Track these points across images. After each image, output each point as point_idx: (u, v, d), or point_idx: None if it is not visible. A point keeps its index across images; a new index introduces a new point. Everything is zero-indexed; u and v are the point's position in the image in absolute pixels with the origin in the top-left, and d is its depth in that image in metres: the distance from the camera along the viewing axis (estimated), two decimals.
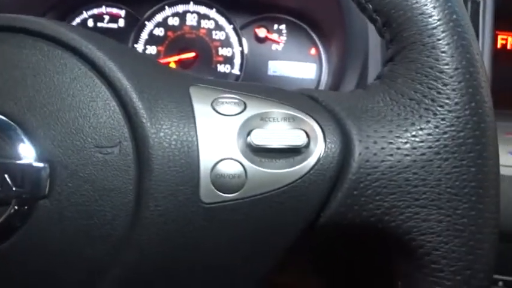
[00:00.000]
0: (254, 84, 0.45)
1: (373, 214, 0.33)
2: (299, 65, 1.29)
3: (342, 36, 1.08)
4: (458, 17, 0.35)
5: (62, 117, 0.34)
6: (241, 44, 1.30)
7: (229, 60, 1.31)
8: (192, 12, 1.32)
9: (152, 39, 1.32)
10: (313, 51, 1.29)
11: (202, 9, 1.31)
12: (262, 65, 1.30)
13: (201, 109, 0.35)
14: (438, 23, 0.34)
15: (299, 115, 0.38)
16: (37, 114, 0.34)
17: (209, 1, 1.29)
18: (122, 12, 1.32)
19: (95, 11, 1.32)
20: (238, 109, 0.35)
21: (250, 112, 0.35)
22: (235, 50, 1.31)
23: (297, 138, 0.34)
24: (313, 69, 1.30)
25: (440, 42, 0.34)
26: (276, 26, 1.30)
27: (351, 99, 0.40)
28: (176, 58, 1.30)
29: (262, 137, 0.34)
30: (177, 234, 0.33)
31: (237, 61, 1.31)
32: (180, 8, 1.31)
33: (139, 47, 1.32)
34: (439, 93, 0.34)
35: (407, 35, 0.35)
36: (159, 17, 1.32)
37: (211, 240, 0.33)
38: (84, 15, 1.32)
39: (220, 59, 1.32)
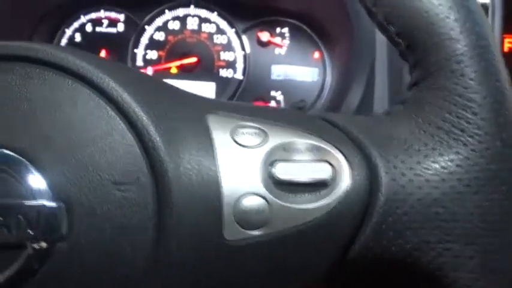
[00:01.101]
0: (273, 109, 0.44)
1: (402, 249, 0.32)
2: (302, 69, 1.28)
3: (348, 39, 1.06)
4: (487, 43, 0.34)
5: (77, 152, 0.32)
6: (243, 48, 1.28)
7: (231, 65, 1.29)
8: (193, 16, 1.29)
9: (152, 44, 1.30)
10: (316, 54, 1.28)
11: (203, 13, 1.29)
12: (265, 69, 1.28)
13: (221, 140, 0.34)
14: (466, 48, 0.33)
15: (323, 145, 0.36)
16: (50, 150, 0.32)
17: (210, 4, 1.27)
18: (121, 17, 1.30)
19: (93, 15, 1.29)
20: (259, 140, 0.34)
21: (272, 143, 0.34)
22: (237, 54, 1.29)
23: (322, 172, 0.33)
24: (317, 73, 1.28)
25: (468, 69, 0.33)
26: (278, 30, 1.28)
27: (375, 126, 0.39)
28: (178, 63, 1.28)
29: (287, 171, 0.33)
30: (200, 272, 0.31)
31: (240, 65, 1.29)
32: (180, 12, 1.29)
33: (140, 51, 1.30)
34: (468, 123, 0.32)
35: (434, 61, 0.34)
36: (159, 21, 1.29)
37: (236, 279, 0.32)
38: (82, 19, 1.29)
39: (222, 63, 1.30)
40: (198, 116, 0.39)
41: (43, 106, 0.36)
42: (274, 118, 0.41)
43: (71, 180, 0.34)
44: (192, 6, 1.28)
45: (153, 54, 1.30)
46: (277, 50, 1.28)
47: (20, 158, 0.35)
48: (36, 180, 0.35)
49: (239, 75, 1.29)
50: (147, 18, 1.28)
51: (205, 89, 1.29)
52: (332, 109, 1.12)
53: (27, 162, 0.34)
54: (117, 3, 1.28)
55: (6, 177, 0.33)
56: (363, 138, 0.38)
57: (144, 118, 0.32)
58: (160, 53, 1.30)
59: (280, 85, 1.28)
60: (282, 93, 1.28)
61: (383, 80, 1.01)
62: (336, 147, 0.37)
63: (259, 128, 0.35)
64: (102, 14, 1.29)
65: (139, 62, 1.29)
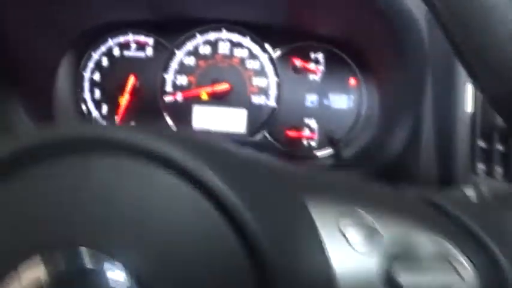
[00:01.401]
0: (370, 187, 0.40)
1: None
2: (337, 96, 1.24)
3: (392, 68, 1.01)
4: None
5: (180, 258, 0.28)
6: (277, 74, 1.24)
7: (264, 91, 1.24)
8: (225, 40, 1.25)
9: (182, 69, 1.25)
10: (352, 81, 1.23)
11: (236, 37, 1.25)
12: (299, 96, 1.23)
13: (330, 235, 0.33)
14: None
15: (443, 244, 0.33)
16: (150, 259, 0.28)
17: (243, 28, 1.23)
18: (150, 40, 1.25)
19: (121, 38, 1.25)
20: (371, 237, 0.31)
21: (387, 241, 0.32)
22: (270, 81, 1.25)
23: (447, 277, 0.31)
24: (352, 100, 1.24)
25: None
26: (313, 55, 1.23)
27: (490, 216, 0.35)
28: (209, 89, 1.24)
29: (409, 276, 0.30)
30: None
31: (273, 92, 1.24)
32: (211, 36, 1.25)
33: (169, 77, 1.25)
34: None
35: None
36: (189, 45, 1.25)
37: None
38: (110, 43, 1.24)
39: (255, 89, 1.25)
40: (299, 203, 0.35)
41: (137, 200, 0.31)
42: (376, 202, 0.37)
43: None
44: (223, 30, 1.23)
45: (182, 80, 1.25)
46: (311, 76, 1.23)
47: (121, 270, 0.30)
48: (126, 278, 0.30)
49: (272, 102, 1.24)
50: (177, 42, 1.24)
51: (237, 116, 1.24)
52: (374, 143, 1.08)
53: (128, 277, 0.30)
54: (146, 26, 1.23)
55: None
56: (484, 235, 0.35)
57: (248, 218, 0.29)
58: (191, 78, 1.25)
59: (315, 112, 1.24)
60: (316, 121, 1.23)
61: (430, 113, 0.97)
62: (457, 245, 0.34)
63: (367, 226, 0.32)
64: (130, 37, 1.25)
65: (169, 88, 1.25)
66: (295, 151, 1.24)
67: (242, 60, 1.24)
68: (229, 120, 1.24)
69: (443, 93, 0.95)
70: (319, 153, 1.24)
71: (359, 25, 1.04)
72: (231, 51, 1.24)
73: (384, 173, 1.00)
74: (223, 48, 1.24)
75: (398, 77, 0.98)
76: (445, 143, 0.93)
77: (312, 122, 1.24)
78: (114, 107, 1.25)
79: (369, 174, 1.01)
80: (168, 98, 1.25)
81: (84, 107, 1.24)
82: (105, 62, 1.24)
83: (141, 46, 1.24)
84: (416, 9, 0.85)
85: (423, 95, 0.93)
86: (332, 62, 1.22)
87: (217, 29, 1.23)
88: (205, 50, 1.24)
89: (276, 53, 1.23)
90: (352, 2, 0.91)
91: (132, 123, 1.25)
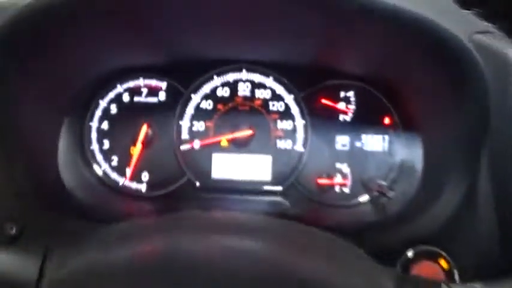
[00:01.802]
0: None
1: None
2: (370, 138, 1.13)
3: (441, 111, 0.90)
4: None
5: None
6: (303, 116, 1.13)
7: (290, 135, 1.13)
8: (245, 81, 1.14)
9: (199, 114, 1.14)
10: (386, 120, 1.12)
11: (257, 78, 1.13)
12: (329, 139, 1.12)
13: None
14: None
15: None
16: None
17: (264, 68, 1.12)
18: (163, 85, 1.14)
19: (131, 83, 1.13)
20: None
21: None
22: (297, 123, 1.13)
23: None
24: (387, 141, 1.13)
25: None
26: (342, 94, 1.13)
27: None
28: (229, 136, 1.12)
29: None
30: None
31: (300, 135, 1.12)
32: (230, 77, 1.13)
33: (185, 123, 1.13)
34: None
35: None
36: (206, 88, 1.13)
37: None
38: (119, 89, 1.13)
39: (280, 133, 1.14)
40: None
41: None
42: None
43: None
44: (244, 71, 1.13)
45: (200, 126, 1.14)
46: (341, 117, 1.12)
47: None
48: None
49: (299, 147, 1.13)
50: (192, 85, 1.13)
51: (261, 163, 1.12)
52: (417, 200, 0.95)
53: None
54: (158, 70, 1.13)
55: None
56: None
57: None
58: (209, 123, 1.13)
59: (346, 156, 1.12)
60: (349, 166, 1.11)
61: (488, 174, 0.80)
62: None
63: None
64: (141, 82, 1.14)
65: (185, 135, 1.13)
66: (326, 199, 1.13)
67: (265, 102, 1.13)
68: (253, 168, 1.13)
69: (506, 150, 0.79)
70: (353, 202, 1.13)
71: (400, 63, 0.93)
72: (253, 92, 1.13)
73: (426, 239, 0.89)
74: (244, 89, 1.13)
75: (450, 125, 0.86)
76: (508, 215, 0.79)
77: (344, 167, 1.12)
78: (125, 158, 1.13)
79: (409, 239, 0.88)
80: (184, 147, 1.13)
81: (91, 160, 1.13)
82: (113, 109, 1.13)
83: (153, 91, 1.13)
84: (477, 51, 0.75)
85: (481, 150, 0.80)
86: (364, 101, 1.11)
87: (237, 70, 1.13)
88: (224, 92, 1.13)
89: (302, 93, 1.12)
90: (399, 42, 0.81)
91: (145, 175, 1.14)
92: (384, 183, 1.05)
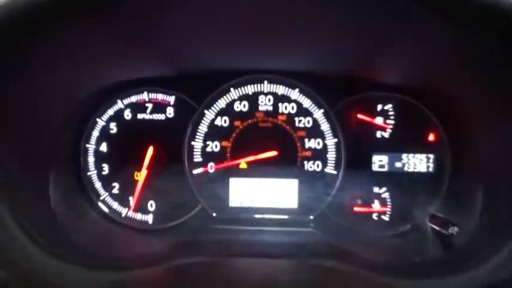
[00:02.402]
0: None
1: None
2: (412, 157, 0.97)
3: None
4: None
5: None
6: (335, 133, 0.97)
7: (320, 155, 0.97)
8: (267, 94, 0.98)
9: (214, 133, 0.97)
10: (431, 137, 0.97)
11: (281, 90, 0.97)
12: (365, 159, 0.96)
13: None
14: None
15: None
16: None
17: (290, 79, 0.97)
18: (171, 99, 0.98)
19: (134, 98, 0.97)
20: None
21: None
22: (327, 142, 0.97)
23: None
24: (432, 161, 0.98)
25: None
26: (380, 107, 0.97)
27: None
28: (249, 158, 0.96)
29: None
30: None
31: (331, 156, 0.97)
32: (249, 90, 0.97)
33: (198, 144, 0.98)
34: None
35: None
36: (221, 103, 0.98)
37: None
38: (119, 105, 0.97)
39: (308, 153, 0.98)
40: None
41: None
42: None
43: None
44: (265, 82, 0.98)
45: (215, 146, 0.98)
46: (379, 133, 0.97)
47: None
48: None
49: (331, 169, 0.97)
50: (206, 100, 0.97)
51: (286, 188, 0.97)
52: (475, 241, 0.80)
53: None
54: (165, 82, 0.96)
55: None
56: None
57: None
58: (225, 143, 0.98)
59: (385, 179, 0.96)
60: (388, 190, 0.96)
61: None
62: None
63: None
64: (145, 96, 0.98)
65: (198, 157, 0.97)
66: (363, 229, 0.98)
67: (290, 118, 0.97)
68: (277, 195, 0.97)
69: None
70: (393, 232, 0.98)
71: (456, 70, 0.78)
72: (275, 107, 0.97)
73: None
74: (265, 103, 0.97)
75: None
76: None
77: (383, 192, 0.97)
78: (128, 185, 0.97)
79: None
80: (197, 171, 0.97)
81: (89, 188, 0.97)
82: (113, 128, 0.97)
83: (159, 107, 0.97)
84: None
85: None
86: (404, 115, 0.96)
87: (258, 81, 0.97)
88: (242, 107, 0.97)
89: (334, 107, 0.96)
90: (457, 52, 0.66)
91: (152, 204, 0.98)
92: (439, 215, 0.90)
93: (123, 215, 0.98)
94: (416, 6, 0.57)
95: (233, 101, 0.98)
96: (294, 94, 0.97)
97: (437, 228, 0.86)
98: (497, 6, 0.55)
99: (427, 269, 0.80)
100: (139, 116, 0.98)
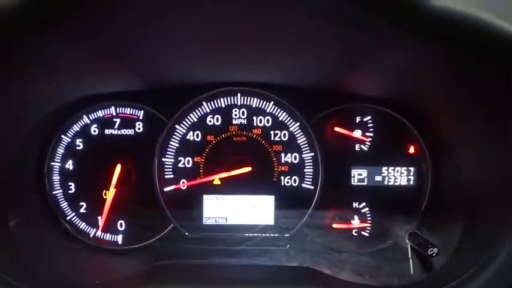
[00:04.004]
0: None
1: None
2: (392, 170, 0.94)
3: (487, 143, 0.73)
4: None
5: None
6: (312, 147, 0.93)
7: (296, 170, 0.93)
8: (240, 107, 0.94)
9: (186, 148, 0.93)
10: (411, 149, 0.94)
11: (255, 102, 0.93)
12: (344, 173, 0.93)
13: None
14: None
15: None
16: None
17: (264, 91, 0.93)
18: (140, 114, 0.93)
19: (100, 113, 0.92)
20: None
21: None
22: (304, 156, 0.93)
23: None
24: (413, 174, 0.95)
25: None
26: (358, 119, 0.94)
27: None
28: (223, 175, 0.92)
29: None
30: None
31: (309, 170, 0.93)
32: (222, 103, 0.93)
33: (169, 160, 0.93)
34: None
35: None
36: (193, 117, 0.93)
37: None
38: (85, 120, 0.92)
39: (284, 168, 0.94)
40: None
41: None
42: None
43: None
44: (238, 95, 0.94)
45: (187, 162, 0.93)
46: (357, 146, 0.93)
47: None
48: None
49: (308, 184, 0.93)
50: (177, 113, 0.92)
51: (261, 205, 0.92)
52: (463, 253, 0.77)
53: None
54: (133, 96, 0.91)
55: None
56: None
57: None
58: (197, 159, 0.93)
59: (365, 193, 0.93)
60: (368, 205, 0.93)
61: None
62: None
63: None
64: (112, 111, 0.93)
65: (169, 174, 0.93)
66: (342, 247, 0.95)
67: (265, 131, 0.93)
68: (252, 212, 0.93)
69: None
70: (374, 249, 0.94)
71: (434, 79, 0.74)
72: (250, 120, 0.93)
73: None
74: (239, 117, 0.93)
75: (497, 155, 0.68)
76: None
77: (362, 206, 0.94)
78: (96, 204, 0.92)
79: None
80: (168, 188, 0.93)
81: (54, 208, 0.92)
82: (80, 145, 0.92)
83: (128, 121, 0.92)
84: None
85: None
86: (383, 127, 0.92)
87: (230, 94, 0.93)
88: (215, 120, 0.93)
89: (310, 120, 0.92)
90: (439, 50, 0.62)
91: (122, 223, 0.94)
92: (419, 233, 0.87)
93: (91, 235, 0.93)
94: (378, 21, 0.53)
95: (205, 115, 0.94)
96: (269, 107, 0.93)
97: (416, 247, 0.83)
98: (452, 17, 0.52)
99: None
100: (107, 131, 0.93)
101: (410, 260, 0.84)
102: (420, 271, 0.80)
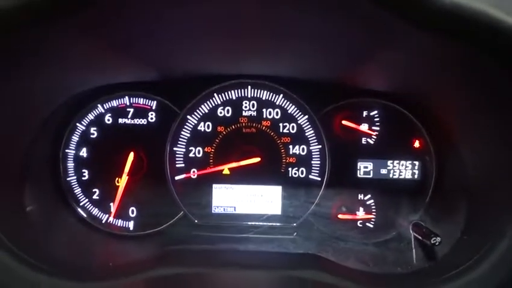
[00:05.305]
0: None
1: None
2: (398, 164, 0.96)
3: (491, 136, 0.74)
4: None
5: None
6: (320, 140, 0.96)
7: (304, 162, 0.95)
8: (250, 99, 0.96)
9: (197, 138, 0.95)
10: (417, 143, 0.96)
11: (265, 95, 0.95)
12: (350, 166, 0.95)
13: None
14: None
15: None
16: None
17: (274, 84, 0.95)
18: (153, 104, 0.95)
19: (115, 103, 0.95)
20: None
21: None
22: (312, 148, 0.96)
23: None
24: (417, 168, 0.97)
25: None
26: (365, 113, 0.95)
27: None
28: (233, 165, 0.95)
29: None
30: None
31: (316, 162, 0.95)
32: (233, 95, 0.96)
33: (180, 149, 0.96)
34: None
35: None
36: (204, 108, 0.96)
37: None
38: (100, 109, 0.94)
39: (292, 160, 0.96)
40: None
41: None
42: None
43: None
44: (249, 87, 0.96)
45: (197, 152, 0.96)
46: (364, 140, 0.95)
47: None
48: None
49: (315, 176, 0.96)
50: (189, 104, 0.95)
51: (269, 196, 0.95)
52: (466, 243, 0.80)
53: None
54: (147, 87, 0.94)
55: None
56: None
57: None
58: (208, 148, 0.95)
59: (370, 186, 0.95)
60: (373, 197, 0.95)
61: None
62: None
63: None
64: (126, 101, 0.95)
65: (180, 163, 0.95)
66: (347, 237, 0.97)
67: (274, 124, 0.95)
68: (260, 201, 0.95)
69: None
70: (378, 240, 0.97)
71: (440, 76, 0.77)
72: (259, 112, 0.96)
73: None
74: (249, 109, 0.95)
75: (499, 150, 0.70)
76: None
77: (368, 198, 0.96)
78: (109, 191, 0.95)
79: None
80: (179, 177, 0.95)
81: (68, 194, 0.94)
82: (94, 133, 0.94)
83: (141, 112, 0.95)
84: None
85: None
86: (390, 121, 0.94)
87: (241, 86, 0.96)
88: (226, 112, 0.95)
89: (318, 113, 0.95)
90: (447, 49, 0.64)
91: (133, 210, 0.97)
92: (422, 223, 0.90)
93: (103, 221, 0.96)
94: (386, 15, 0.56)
95: (216, 106, 0.96)
96: (279, 99, 0.96)
97: (419, 237, 0.86)
98: (463, 13, 0.54)
99: (408, 279, 0.79)
100: (121, 120, 0.96)
101: (414, 250, 0.87)
102: (423, 260, 0.83)
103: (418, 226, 0.87)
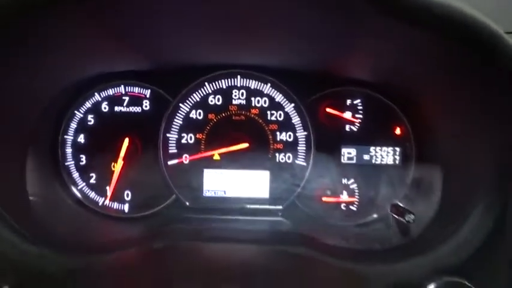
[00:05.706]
0: None
1: None
2: (380, 150, 1.02)
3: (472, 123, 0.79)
4: None
5: None
6: (306, 127, 1.01)
7: (290, 148, 1.00)
8: (240, 88, 1.01)
9: (189, 125, 1.01)
10: (398, 131, 1.01)
11: (253, 84, 1.01)
12: (334, 152, 1.00)
13: None
14: None
15: None
16: None
17: (262, 74, 1.00)
18: (147, 92, 1.00)
19: (111, 91, 1.00)
20: None
21: None
22: (298, 134, 1.01)
23: None
24: (399, 154, 1.02)
25: None
26: (349, 102, 1.01)
27: None
28: (223, 150, 1.00)
29: None
30: None
31: (302, 148, 1.01)
32: (223, 84, 1.01)
33: (173, 136, 1.01)
34: None
35: None
36: (196, 96, 1.01)
37: None
38: (97, 97, 1.00)
39: (279, 146, 1.02)
40: None
41: None
42: None
43: None
44: (238, 77, 1.01)
45: (189, 138, 1.01)
46: (347, 127, 1.01)
47: None
48: None
49: (301, 161, 1.01)
50: (181, 93, 1.00)
51: (257, 179, 1.00)
52: (439, 222, 0.83)
53: None
54: (141, 76, 0.99)
55: None
56: None
57: None
58: (199, 135, 1.01)
59: (353, 171, 1.00)
60: (356, 181, 1.00)
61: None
62: None
63: None
64: (122, 89, 1.00)
65: (172, 149, 1.00)
66: (331, 219, 1.02)
67: (262, 111, 1.01)
68: (249, 185, 1.00)
69: None
70: (361, 221, 1.02)
71: (419, 66, 0.81)
72: (248, 100, 1.01)
73: (449, 270, 0.75)
74: (238, 97, 1.01)
75: (476, 138, 0.76)
76: None
77: (351, 183, 1.02)
78: (105, 175, 1.00)
79: (431, 269, 0.75)
80: (172, 162, 1.00)
81: (67, 178, 1.00)
82: (91, 120, 0.99)
83: (136, 100, 1.00)
84: None
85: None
86: (372, 109, 0.99)
87: (231, 76, 1.00)
88: (216, 100, 1.01)
89: (304, 101, 1.00)
90: (423, 41, 0.69)
91: (128, 194, 1.02)
92: (400, 204, 0.95)
93: (100, 204, 1.01)
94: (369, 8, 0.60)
95: (207, 95, 1.01)
96: (266, 88, 1.01)
97: (396, 216, 0.90)
98: (442, 9, 0.59)
99: (385, 254, 0.84)
100: (116, 108, 1.01)
101: (391, 227, 0.92)
102: (400, 237, 0.88)
103: (396, 206, 0.92)
